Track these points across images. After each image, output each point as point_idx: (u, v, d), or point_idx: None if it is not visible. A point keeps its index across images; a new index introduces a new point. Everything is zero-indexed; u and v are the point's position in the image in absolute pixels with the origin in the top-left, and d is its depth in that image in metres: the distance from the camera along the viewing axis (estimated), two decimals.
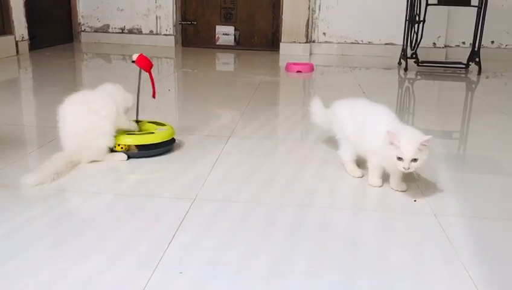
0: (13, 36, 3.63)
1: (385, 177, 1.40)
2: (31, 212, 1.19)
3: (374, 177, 1.39)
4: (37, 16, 3.92)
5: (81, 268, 0.95)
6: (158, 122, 1.70)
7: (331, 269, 0.98)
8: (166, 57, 4.13)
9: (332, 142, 1.76)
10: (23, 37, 3.75)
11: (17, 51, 3.68)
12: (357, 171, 1.46)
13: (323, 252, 1.05)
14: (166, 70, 3.55)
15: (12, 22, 3.62)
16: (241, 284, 0.92)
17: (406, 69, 3.47)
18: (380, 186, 1.39)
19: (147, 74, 1.63)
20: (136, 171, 1.49)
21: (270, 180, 1.44)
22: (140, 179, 1.45)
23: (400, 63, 3.73)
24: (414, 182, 1.42)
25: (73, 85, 3.02)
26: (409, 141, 1.23)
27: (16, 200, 1.27)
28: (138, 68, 1.62)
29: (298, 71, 3.33)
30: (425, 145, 1.24)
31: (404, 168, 1.24)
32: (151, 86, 1.65)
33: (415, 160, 1.24)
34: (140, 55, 1.59)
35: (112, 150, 1.53)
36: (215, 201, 1.27)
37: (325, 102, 1.72)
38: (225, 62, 4.17)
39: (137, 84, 1.64)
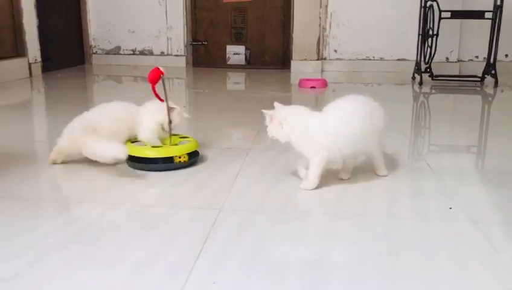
0: (26, 58, 3.65)
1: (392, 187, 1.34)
2: (50, 225, 1.14)
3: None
4: (49, 39, 3.94)
5: (106, 280, 0.90)
6: (180, 135, 1.68)
7: (372, 277, 0.92)
8: (177, 78, 4.13)
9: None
10: (36, 60, 3.77)
11: (30, 73, 3.69)
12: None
13: (361, 258, 0.99)
14: (177, 91, 3.54)
15: (26, 44, 3.63)
16: None
17: (420, 84, 3.44)
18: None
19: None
20: (159, 183, 1.44)
21: (296, 190, 1.39)
22: (164, 190, 1.40)
23: (413, 78, 3.70)
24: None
25: (84, 104, 3.01)
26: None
27: (35, 212, 1.23)
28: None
29: (312, 87, 3.30)
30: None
31: None
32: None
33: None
34: (152, 70, 1.56)
35: None
36: (241, 211, 1.23)
37: None
38: (236, 81, 4.16)
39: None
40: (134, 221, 1.18)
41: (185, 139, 1.64)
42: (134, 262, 0.97)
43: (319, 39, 4.20)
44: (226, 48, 4.54)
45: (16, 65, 3.55)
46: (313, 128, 1.33)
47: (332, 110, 1.39)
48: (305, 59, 4.23)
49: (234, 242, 1.06)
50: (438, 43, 3.41)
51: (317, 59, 4.23)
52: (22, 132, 2.17)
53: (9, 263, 0.96)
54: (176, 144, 1.60)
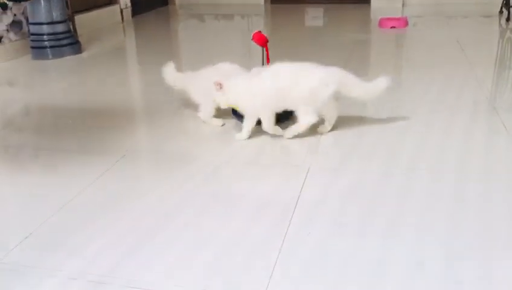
0: (118, 5, 3.92)
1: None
2: (178, 177, 1.40)
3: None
4: None
5: (226, 229, 1.14)
6: None
7: (439, 234, 1.09)
8: (255, 15, 4.23)
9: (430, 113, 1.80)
10: (126, 5, 4.03)
11: (122, 18, 3.97)
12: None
13: (432, 213, 1.16)
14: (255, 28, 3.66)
15: None
16: (361, 243, 1.06)
17: (508, 19, 3.30)
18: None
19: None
20: (255, 139, 1.66)
21: (377, 147, 1.55)
22: (256, 146, 1.61)
23: (501, 12, 3.54)
24: None
25: (169, 46, 3.24)
26: None
27: (163, 166, 1.50)
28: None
29: (392, 27, 3.30)
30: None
31: None
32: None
33: None
34: (256, 33, 1.73)
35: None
36: (328, 169, 1.42)
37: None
38: (315, 16, 4.18)
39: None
40: (241, 176, 1.41)
41: None
42: (245, 213, 1.20)
43: None
44: None
45: (110, 12, 3.84)
46: (250, 89, 1.59)
47: (262, 73, 1.61)
48: None
49: (324, 198, 1.26)
50: None
51: None
52: (142, 81, 2.45)
53: (146, 217, 1.23)
54: None
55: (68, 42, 2.87)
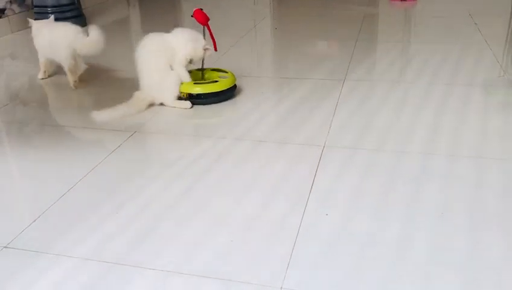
0: None
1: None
2: (189, 156, 1.38)
3: None
4: None
5: (241, 210, 1.12)
6: (221, 70, 1.84)
7: (460, 217, 1.07)
8: None
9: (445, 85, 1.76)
10: None
11: None
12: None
13: (450, 194, 1.14)
14: (261, 4, 3.58)
15: None
16: (379, 224, 1.04)
17: None
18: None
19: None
20: (266, 117, 1.63)
21: (391, 125, 1.52)
22: (271, 124, 1.59)
23: None
24: None
25: (174, 19, 3.18)
26: None
27: (163, 149, 1.48)
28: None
29: (402, 0, 3.22)
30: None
31: None
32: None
33: None
34: (196, 11, 1.70)
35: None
36: (343, 147, 1.39)
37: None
38: None
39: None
40: (252, 156, 1.38)
41: (225, 74, 1.80)
42: (260, 194, 1.18)
43: None
44: None
45: None
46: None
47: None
48: None
49: (340, 178, 1.24)
50: None
51: None
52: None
53: (156, 198, 1.21)
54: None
55: (73, 15, 2.80)
